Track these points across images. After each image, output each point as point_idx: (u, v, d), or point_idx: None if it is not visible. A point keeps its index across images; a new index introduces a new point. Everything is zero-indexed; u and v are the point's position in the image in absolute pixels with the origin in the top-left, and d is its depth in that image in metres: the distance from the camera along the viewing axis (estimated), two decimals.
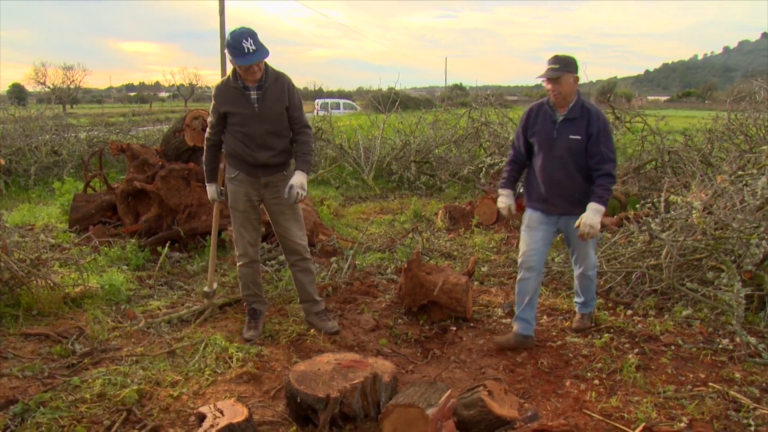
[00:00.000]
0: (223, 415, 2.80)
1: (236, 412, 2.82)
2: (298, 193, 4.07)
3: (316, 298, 4.51)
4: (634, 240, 5.53)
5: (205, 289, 4.79)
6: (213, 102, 4.20)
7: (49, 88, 55.99)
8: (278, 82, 4.11)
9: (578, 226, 3.93)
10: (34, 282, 4.85)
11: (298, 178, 4.11)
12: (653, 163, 9.05)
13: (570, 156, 4.04)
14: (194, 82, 69.67)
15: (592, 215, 3.89)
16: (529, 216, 4.32)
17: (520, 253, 4.30)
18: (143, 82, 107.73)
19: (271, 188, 4.26)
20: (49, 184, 10.86)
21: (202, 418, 2.83)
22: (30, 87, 58.40)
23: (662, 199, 5.55)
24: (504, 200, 4.34)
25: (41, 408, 3.35)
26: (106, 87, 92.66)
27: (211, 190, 4.49)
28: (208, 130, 4.35)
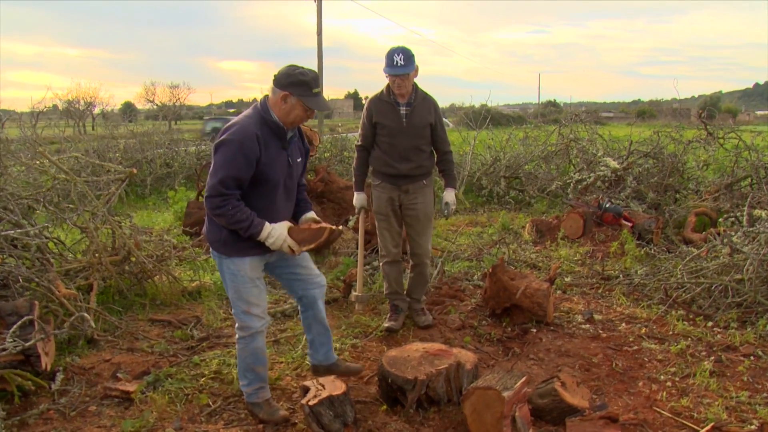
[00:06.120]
0: (324, 388, 3.24)
1: (336, 387, 3.25)
2: (452, 208, 4.73)
3: (419, 299, 4.97)
4: (718, 254, 5.60)
5: (356, 293, 5.24)
6: (365, 113, 4.65)
7: (157, 105, 59.61)
8: (426, 101, 4.58)
9: None
10: (158, 276, 5.53)
11: (451, 196, 4.76)
12: (748, 179, 8.91)
13: None
14: None
15: None
16: None
17: None
18: (241, 99, 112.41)
19: (410, 195, 4.65)
20: (163, 193, 11.93)
21: (305, 390, 3.28)
22: (140, 105, 62.41)
23: (745, 213, 5.59)
24: None
25: (169, 379, 3.92)
26: (206, 104, 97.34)
27: (359, 198, 4.87)
28: (358, 138, 4.79)
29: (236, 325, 3.44)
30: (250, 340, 3.40)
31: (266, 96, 3.25)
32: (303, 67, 3.19)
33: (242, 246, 3.26)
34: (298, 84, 3.12)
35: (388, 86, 4.54)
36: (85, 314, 3.33)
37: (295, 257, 3.49)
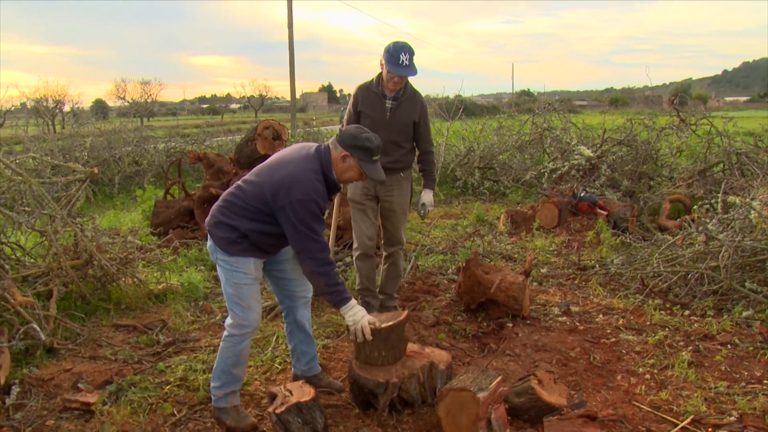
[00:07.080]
0: (292, 394, 3.10)
1: (304, 393, 3.11)
2: (428, 209, 4.75)
3: (393, 295, 4.90)
4: (693, 241, 5.55)
5: None
6: (352, 100, 4.61)
7: (128, 102, 58.57)
8: (414, 98, 4.54)
9: None
10: (123, 279, 5.33)
11: (428, 197, 4.75)
12: (720, 165, 8.91)
13: None
14: (264, 93, 71.32)
15: None
16: None
17: None
18: (215, 95, 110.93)
19: (386, 186, 4.56)
20: (131, 192, 11.63)
21: (273, 397, 3.14)
22: (111, 102, 61.28)
23: (719, 199, 5.55)
24: None
25: (132, 388, 3.75)
26: (180, 100, 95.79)
27: None
28: (343, 124, 4.71)
29: (228, 322, 3.34)
30: (240, 340, 3.31)
31: (327, 147, 3.27)
32: (369, 133, 3.29)
33: (248, 247, 3.25)
34: (361, 149, 3.22)
35: (379, 76, 4.48)
36: (35, 325, 3.13)
37: (289, 266, 3.52)
